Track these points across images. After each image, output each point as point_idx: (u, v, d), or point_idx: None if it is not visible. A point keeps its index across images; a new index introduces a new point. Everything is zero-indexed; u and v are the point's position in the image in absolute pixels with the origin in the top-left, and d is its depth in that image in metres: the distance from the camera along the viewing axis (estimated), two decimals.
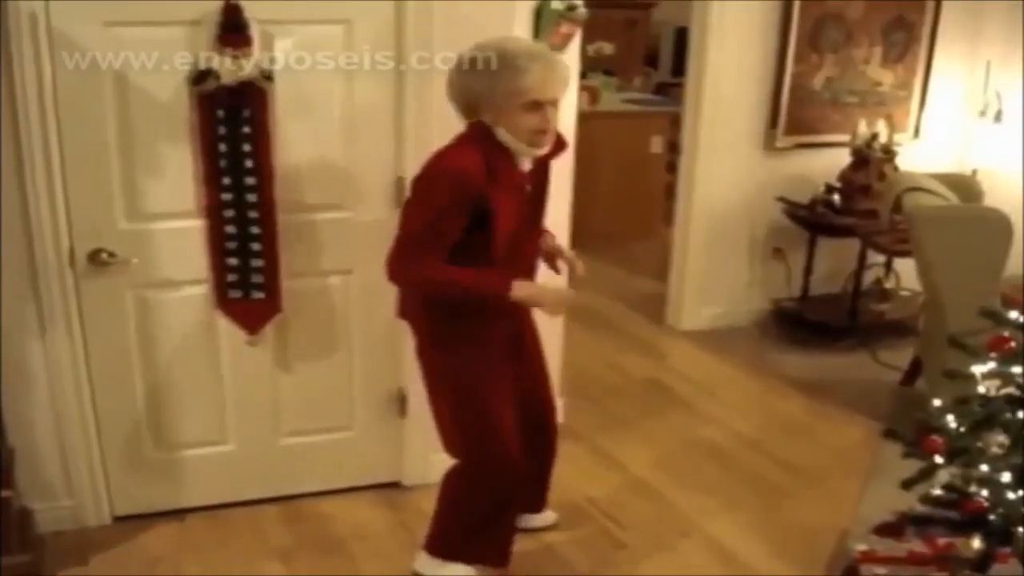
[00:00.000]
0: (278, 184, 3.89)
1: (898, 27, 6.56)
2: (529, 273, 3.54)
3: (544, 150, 3.37)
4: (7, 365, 3.81)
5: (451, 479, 3.69)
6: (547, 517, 4.20)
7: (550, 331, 4.08)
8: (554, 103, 3.30)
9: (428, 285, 3.36)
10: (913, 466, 3.14)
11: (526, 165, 3.39)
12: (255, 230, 3.89)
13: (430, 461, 4.38)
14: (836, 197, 6.31)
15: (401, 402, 4.37)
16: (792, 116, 6.43)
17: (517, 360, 3.68)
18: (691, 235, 6.53)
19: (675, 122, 7.49)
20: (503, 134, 3.28)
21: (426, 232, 3.28)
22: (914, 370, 5.72)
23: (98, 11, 3.56)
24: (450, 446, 3.67)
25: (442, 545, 3.76)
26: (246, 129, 3.77)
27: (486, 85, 3.23)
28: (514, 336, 3.65)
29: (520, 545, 3.92)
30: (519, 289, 3.33)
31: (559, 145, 3.47)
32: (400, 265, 3.34)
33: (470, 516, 3.69)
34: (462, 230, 3.27)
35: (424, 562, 3.80)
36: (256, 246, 3.91)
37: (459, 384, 3.53)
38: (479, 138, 3.30)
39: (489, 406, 3.51)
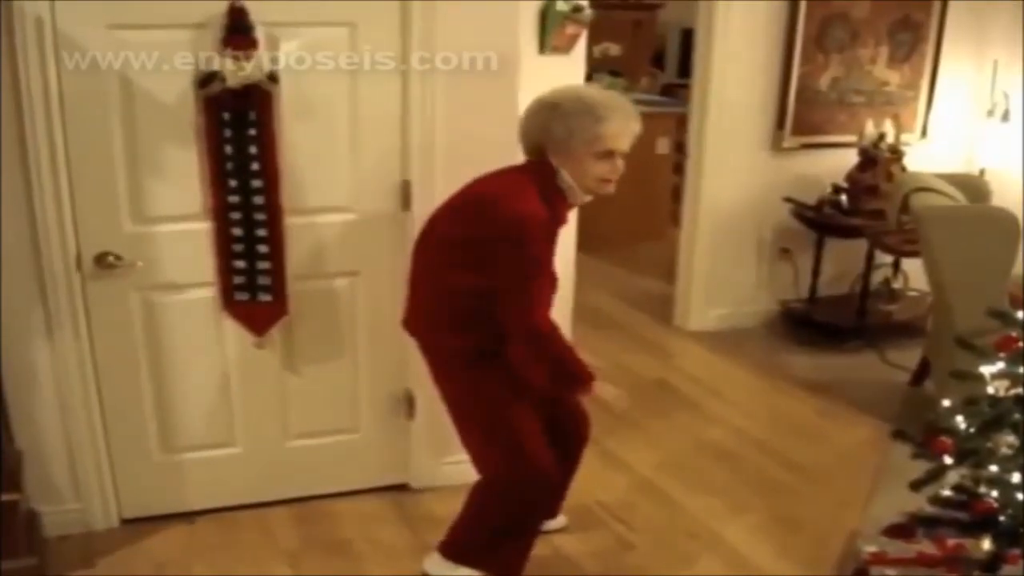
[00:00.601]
0: (284, 186, 3.88)
1: (904, 27, 6.54)
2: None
3: (601, 195, 3.45)
4: (14, 368, 3.81)
5: (482, 489, 3.67)
6: (556, 520, 4.19)
7: None
8: (624, 154, 3.38)
9: (550, 340, 3.37)
10: (922, 467, 3.14)
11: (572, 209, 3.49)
12: (261, 232, 3.89)
13: (437, 463, 4.39)
14: (843, 198, 6.30)
15: (409, 404, 4.37)
16: (799, 116, 6.42)
17: None
18: (698, 236, 6.53)
19: (681, 123, 7.49)
20: (566, 178, 3.34)
21: (537, 283, 3.36)
22: (922, 371, 5.71)
23: (103, 14, 3.56)
24: (482, 463, 3.65)
25: (460, 550, 3.75)
26: (252, 131, 3.77)
27: (564, 128, 3.29)
28: None
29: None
30: (599, 388, 3.45)
31: None
32: (532, 315, 3.34)
33: (496, 527, 3.67)
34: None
35: (435, 563, 3.79)
36: (262, 248, 3.91)
37: (491, 402, 3.52)
38: (540, 180, 3.36)
39: (522, 421, 3.50)
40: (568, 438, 3.88)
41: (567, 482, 4.04)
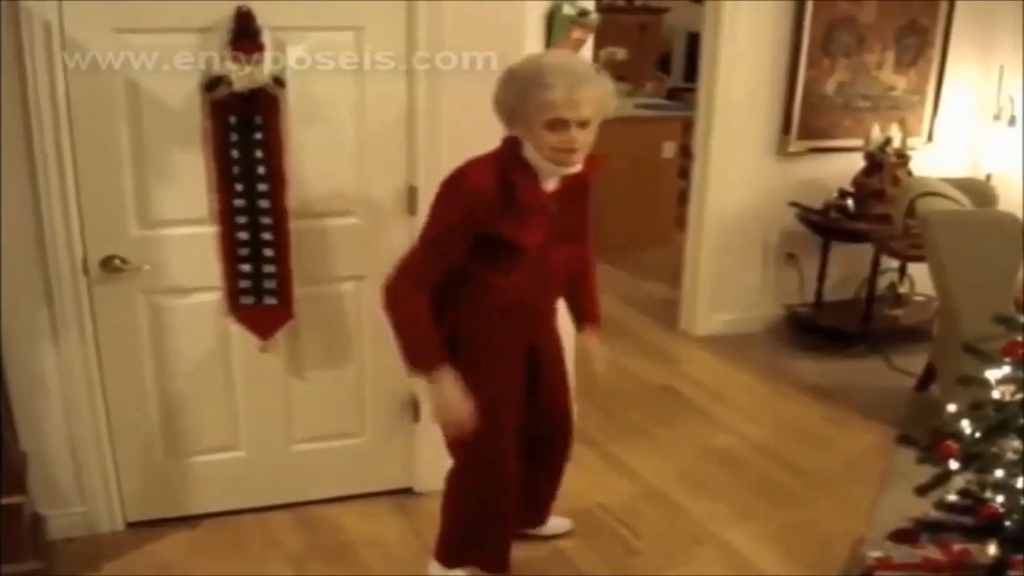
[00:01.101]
0: (290, 190, 3.89)
1: (911, 31, 6.54)
2: (549, 289, 3.53)
3: (568, 169, 3.27)
4: (20, 370, 3.81)
5: (448, 481, 3.71)
6: (560, 524, 4.18)
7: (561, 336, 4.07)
8: (583, 123, 3.16)
9: (395, 304, 3.35)
10: (928, 472, 3.14)
11: (551, 184, 3.33)
12: (267, 236, 3.89)
13: (443, 467, 4.36)
14: (849, 202, 6.30)
15: (413, 408, 4.36)
16: (805, 121, 6.42)
17: (533, 370, 3.66)
18: (704, 240, 6.52)
19: (687, 127, 7.49)
20: (529, 150, 3.22)
21: (430, 248, 3.33)
22: (928, 376, 5.70)
23: (111, 18, 3.56)
24: (448, 446, 3.65)
25: (445, 550, 3.77)
26: (258, 135, 3.78)
27: (516, 98, 3.17)
28: (530, 346, 3.61)
29: (534, 552, 3.93)
30: (436, 381, 3.35)
31: (594, 167, 3.39)
32: (400, 275, 3.34)
33: (465, 519, 3.70)
34: (467, 249, 3.29)
35: (433, 568, 3.80)
36: (268, 252, 3.91)
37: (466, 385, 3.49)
38: (505, 154, 3.28)
39: (487, 412, 3.45)
40: (545, 445, 3.86)
41: (550, 490, 4.04)
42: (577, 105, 3.12)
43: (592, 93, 3.16)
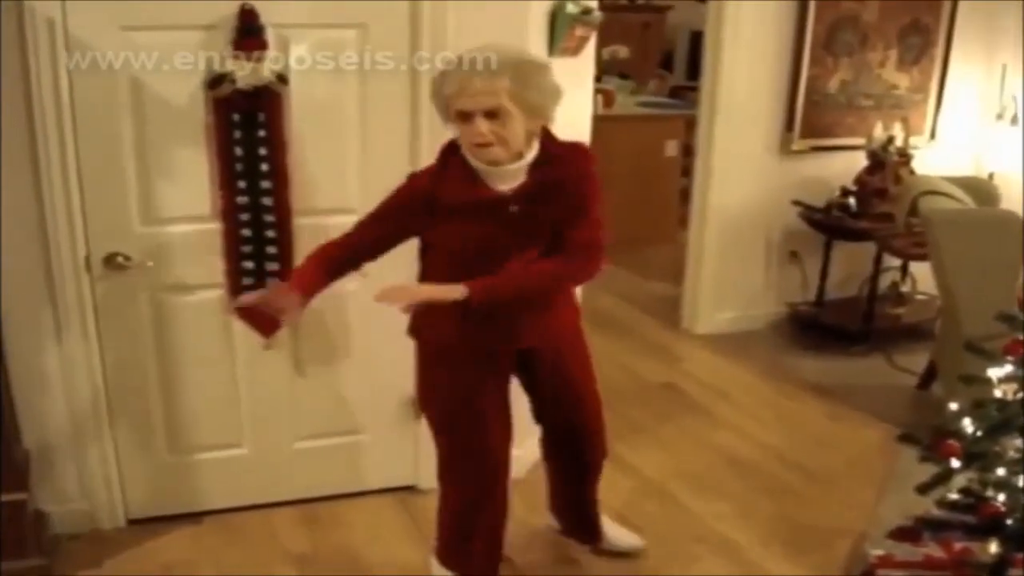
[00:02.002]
0: (293, 188, 3.89)
1: (914, 30, 6.55)
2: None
3: (491, 164, 3.16)
4: (23, 367, 3.82)
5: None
6: (632, 540, 4.13)
7: None
8: (489, 114, 3.06)
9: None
10: (929, 470, 3.14)
11: (500, 183, 3.20)
12: (270, 233, 3.90)
13: None
14: (852, 200, 6.31)
15: (416, 406, 4.36)
16: (807, 119, 6.42)
17: (531, 380, 3.66)
18: (706, 239, 6.53)
19: (690, 125, 7.50)
20: (465, 151, 3.19)
21: (359, 224, 3.39)
22: (930, 374, 5.71)
23: (114, 16, 3.57)
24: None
25: (439, 552, 3.77)
26: (261, 133, 3.78)
27: (433, 96, 3.19)
28: (518, 353, 3.54)
29: (536, 553, 3.93)
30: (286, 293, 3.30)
31: (571, 163, 3.29)
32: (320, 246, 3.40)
33: (451, 525, 3.69)
34: (385, 240, 3.34)
35: (432, 564, 3.81)
36: (272, 249, 3.92)
37: (435, 401, 3.54)
38: (448, 150, 3.26)
39: (458, 422, 3.48)
40: (570, 452, 3.86)
41: (584, 503, 4.02)
42: (473, 95, 3.04)
43: (487, 83, 3.03)
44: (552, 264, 3.29)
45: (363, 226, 3.37)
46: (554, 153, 3.25)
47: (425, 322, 3.41)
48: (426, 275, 3.36)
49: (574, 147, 3.34)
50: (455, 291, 3.11)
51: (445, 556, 3.74)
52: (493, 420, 3.50)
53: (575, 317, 3.67)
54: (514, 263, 3.23)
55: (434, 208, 3.19)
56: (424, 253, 3.38)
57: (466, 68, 3.05)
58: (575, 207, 3.29)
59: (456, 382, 3.43)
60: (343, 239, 3.36)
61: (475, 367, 3.42)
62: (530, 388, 3.69)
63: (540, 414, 3.79)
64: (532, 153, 3.20)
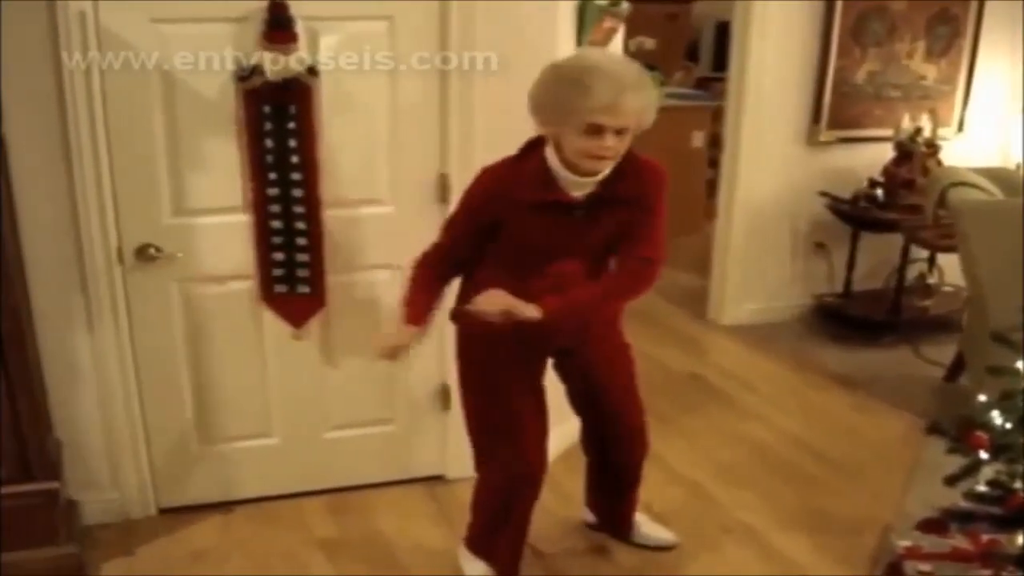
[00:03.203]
0: (323, 179, 3.92)
1: (942, 20, 6.52)
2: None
3: (591, 175, 3.16)
4: (55, 358, 3.86)
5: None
6: (666, 536, 4.12)
7: None
8: (619, 131, 3.04)
9: (410, 275, 3.40)
10: (957, 462, 3.14)
11: (575, 190, 3.20)
12: (300, 225, 3.92)
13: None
14: (879, 192, 6.30)
15: (444, 396, 4.39)
16: (835, 110, 6.41)
17: (567, 371, 3.70)
18: (733, 230, 6.53)
19: (717, 117, 7.49)
20: (550, 152, 3.16)
21: (447, 229, 3.38)
22: (957, 366, 5.69)
23: (145, 8, 3.60)
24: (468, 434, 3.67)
25: (470, 540, 3.80)
26: (291, 125, 3.80)
27: (556, 97, 3.04)
28: (561, 350, 3.60)
29: (566, 543, 3.95)
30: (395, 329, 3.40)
31: (648, 179, 3.29)
32: (422, 256, 3.39)
33: (483, 514, 3.72)
34: (475, 238, 3.30)
35: (461, 553, 3.84)
36: (302, 241, 3.94)
37: (466, 380, 3.54)
38: (529, 150, 3.24)
39: (495, 411, 3.51)
40: (610, 450, 3.87)
41: (618, 497, 4.04)
42: (619, 113, 2.99)
43: (636, 103, 3.02)
44: (612, 281, 3.37)
45: (453, 227, 3.38)
46: (629, 169, 3.23)
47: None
48: (481, 268, 3.35)
49: (651, 168, 3.31)
50: (530, 309, 3.13)
51: (477, 544, 3.76)
52: (531, 408, 3.54)
53: (617, 314, 3.72)
54: (567, 266, 3.29)
55: (506, 203, 3.21)
56: (502, 254, 3.32)
57: (617, 81, 2.99)
58: (638, 222, 3.31)
59: (498, 369, 3.45)
60: (437, 249, 3.38)
61: (517, 354, 3.44)
62: (567, 379, 3.72)
63: (577, 405, 3.81)
64: (610, 166, 3.18)
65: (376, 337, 3.48)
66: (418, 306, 3.34)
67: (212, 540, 4.09)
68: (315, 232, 3.95)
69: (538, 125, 3.16)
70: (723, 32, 8.08)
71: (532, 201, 3.18)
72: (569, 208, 3.21)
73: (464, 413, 3.60)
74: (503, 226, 3.25)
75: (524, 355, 3.48)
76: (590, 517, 4.17)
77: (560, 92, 3.03)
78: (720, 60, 8.48)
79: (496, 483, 3.62)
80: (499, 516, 3.65)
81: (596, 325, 3.62)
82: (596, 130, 3.00)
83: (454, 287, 3.48)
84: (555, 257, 3.28)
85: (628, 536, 4.10)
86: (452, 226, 3.39)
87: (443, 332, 4.14)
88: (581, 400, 3.78)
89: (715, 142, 7.48)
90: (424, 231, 4.01)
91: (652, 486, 4.26)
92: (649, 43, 9.96)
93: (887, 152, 6.33)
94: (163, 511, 4.24)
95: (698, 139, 8.61)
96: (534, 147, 3.23)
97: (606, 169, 3.15)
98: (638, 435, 3.85)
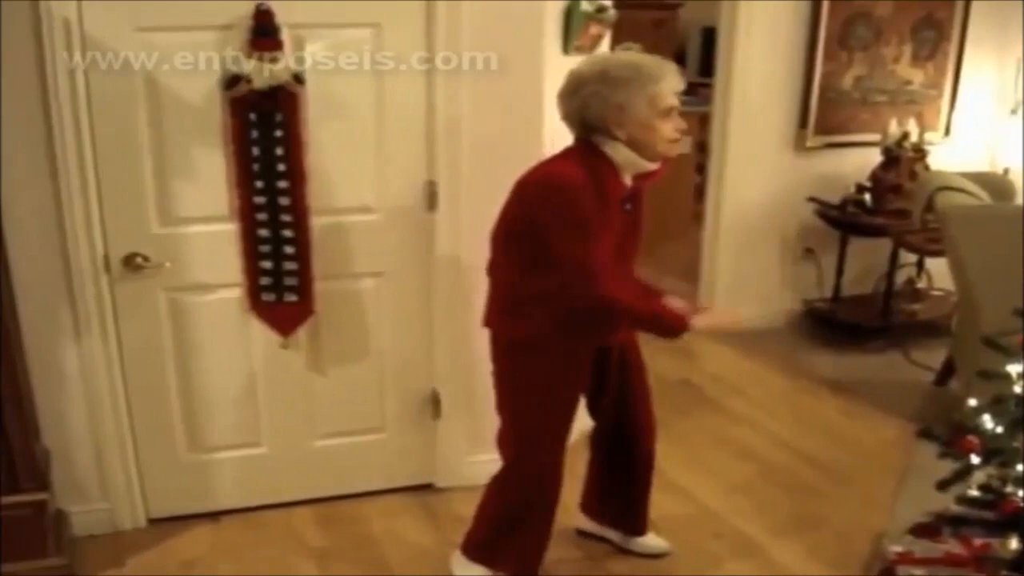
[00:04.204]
0: (310, 187, 3.90)
1: (927, 25, 6.53)
2: (631, 285, 3.49)
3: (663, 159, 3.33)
4: (43, 368, 3.84)
5: (493, 481, 3.69)
6: (659, 544, 4.12)
7: None
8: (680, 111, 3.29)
9: (613, 306, 3.27)
10: (948, 467, 3.14)
11: (628, 181, 3.33)
12: (288, 233, 3.90)
13: (463, 463, 4.40)
14: (867, 197, 6.30)
15: (434, 404, 4.38)
16: (822, 115, 6.42)
17: (604, 374, 3.69)
18: (721, 235, 6.53)
19: (703, 122, 7.47)
20: (620, 150, 3.23)
21: (593, 250, 3.22)
22: (947, 370, 5.70)
23: (130, 16, 3.58)
24: (500, 448, 3.64)
25: (473, 547, 3.77)
26: (278, 132, 3.79)
27: (625, 97, 3.16)
28: (601, 348, 3.61)
29: (558, 551, 3.91)
30: (699, 322, 3.33)
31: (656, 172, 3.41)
32: (601, 289, 3.22)
33: (500, 520, 3.70)
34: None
35: (458, 561, 3.81)
36: (289, 249, 3.92)
37: (521, 390, 3.52)
38: (585, 155, 3.26)
39: (545, 416, 3.51)
40: (626, 450, 3.89)
41: (637, 496, 4.02)
42: (677, 90, 3.24)
43: (683, 84, 3.28)
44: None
45: (604, 254, 3.26)
46: None
47: (522, 320, 3.43)
48: (593, 265, 3.26)
49: None
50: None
51: (481, 551, 3.75)
52: (573, 413, 3.58)
53: None
54: (627, 267, 3.46)
55: (594, 210, 3.22)
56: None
57: (668, 66, 3.23)
58: (641, 221, 3.55)
59: (550, 376, 3.46)
60: (621, 286, 3.30)
61: (566, 361, 3.47)
62: (598, 384, 3.72)
63: (601, 409, 3.82)
64: None
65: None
66: (660, 307, 3.37)
67: (201, 550, 4.07)
68: (302, 240, 3.93)
69: (616, 131, 3.22)
70: (710, 38, 8.07)
71: (612, 200, 3.28)
72: (623, 202, 3.32)
73: (508, 418, 3.58)
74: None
75: (576, 358, 3.52)
76: (583, 525, 4.15)
77: (630, 90, 3.17)
78: (707, 66, 8.46)
79: (523, 491, 3.62)
80: (512, 524, 3.66)
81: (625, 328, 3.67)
82: (670, 112, 3.23)
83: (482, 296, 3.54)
84: (618, 257, 3.36)
85: (643, 533, 4.09)
86: (603, 247, 3.25)
87: (431, 339, 4.15)
88: (610, 401, 3.77)
89: (702, 147, 7.47)
90: (412, 238, 4.04)
91: None
92: (636, 49, 9.97)
93: (874, 157, 6.34)
94: (152, 521, 4.21)
95: (685, 144, 8.56)
96: (583, 152, 3.28)
97: (683, 150, 3.42)
98: (653, 419, 3.91)
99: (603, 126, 3.21)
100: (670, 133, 3.24)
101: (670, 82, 3.19)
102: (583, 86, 3.22)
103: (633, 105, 3.16)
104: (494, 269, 3.50)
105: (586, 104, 3.21)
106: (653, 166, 3.32)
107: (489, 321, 3.55)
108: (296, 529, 4.22)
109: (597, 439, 3.95)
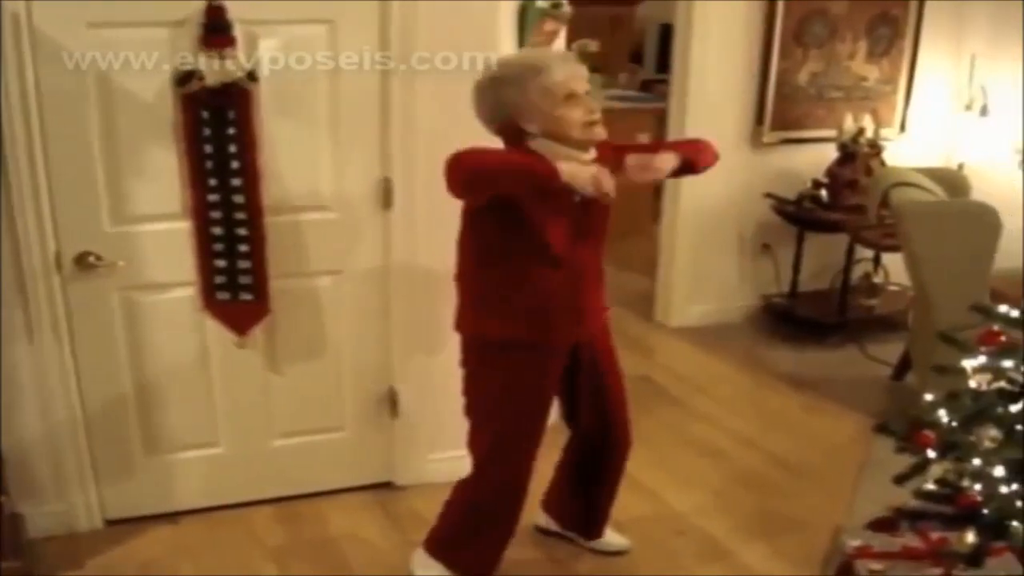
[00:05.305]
0: (265, 185, 3.87)
1: (882, 22, 6.56)
2: (583, 288, 3.48)
3: (594, 144, 3.30)
4: None
5: (461, 482, 3.68)
6: (620, 541, 4.12)
7: None
8: (588, 94, 3.27)
9: (471, 167, 3.15)
10: (906, 461, 3.15)
11: None
12: (242, 231, 3.87)
13: (422, 461, 4.39)
14: (823, 192, 6.34)
15: (392, 402, 4.36)
16: (778, 112, 6.44)
17: (576, 374, 3.67)
18: (679, 232, 6.54)
19: (661, 119, 7.48)
20: (542, 143, 3.22)
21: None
22: (904, 365, 5.73)
23: (81, 12, 3.54)
24: (470, 450, 3.63)
25: (435, 543, 3.77)
26: (231, 130, 3.76)
27: (518, 93, 3.19)
28: (573, 347, 3.58)
29: (519, 549, 3.90)
30: (567, 173, 3.13)
31: (604, 150, 3.38)
32: (455, 165, 3.14)
33: (465, 521, 3.68)
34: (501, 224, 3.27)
35: (418, 558, 3.80)
36: (243, 247, 3.89)
37: (489, 394, 3.51)
38: (521, 151, 3.25)
39: (516, 421, 3.50)
40: (598, 453, 3.87)
41: (601, 499, 4.02)
42: (578, 78, 3.24)
43: (582, 69, 3.29)
44: (689, 145, 3.65)
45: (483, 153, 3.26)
46: (599, 148, 3.37)
47: (486, 319, 3.43)
48: (530, 272, 3.35)
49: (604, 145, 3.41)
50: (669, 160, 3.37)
51: (442, 549, 3.74)
52: (545, 416, 3.57)
53: (606, 313, 3.74)
54: (582, 254, 3.43)
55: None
56: (521, 249, 3.33)
57: (557, 54, 3.36)
58: (606, 207, 3.45)
59: (518, 376, 3.45)
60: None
61: (537, 362, 3.47)
62: (570, 386, 3.70)
63: (576, 413, 3.81)
64: (603, 133, 3.33)
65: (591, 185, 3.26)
66: (523, 155, 3.25)
67: (160, 551, 4.03)
68: (257, 238, 3.90)
69: (527, 127, 3.24)
70: (667, 34, 8.08)
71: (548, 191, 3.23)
72: (566, 193, 3.26)
73: (476, 422, 3.58)
74: (526, 213, 3.26)
75: (547, 357, 3.49)
76: (544, 523, 4.15)
77: (521, 85, 3.19)
78: (664, 62, 8.47)
79: (490, 495, 3.61)
80: (476, 526, 3.65)
81: (602, 323, 3.69)
82: (575, 98, 3.21)
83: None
84: (571, 251, 3.36)
85: (599, 536, 4.09)
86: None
87: (389, 337, 4.14)
88: (584, 404, 3.75)
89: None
90: (368, 236, 4.02)
91: None
92: (592, 46, 9.94)
93: (830, 153, 6.36)
94: (110, 523, 4.17)
95: (643, 141, 8.60)
96: (517, 144, 3.28)
97: (602, 134, 3.29)
98: (629, 426, 3.89)
99: (516, 125, 3.24)
100: (579, 117, 3.22)
101: (560, 70, 3.19)
102: (483, 94, 3.28)
103: (528, 99, 3.19)
104: (459, 274, 3.49)
105: (492, 109, 3.27)
106: (584, 154, 3.28)
107: (457, 324, 3.54)
108: (255, 529, 4.19)
109: (571, 445, 3.94)
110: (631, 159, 3.31)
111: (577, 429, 3.87)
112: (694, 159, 3.49)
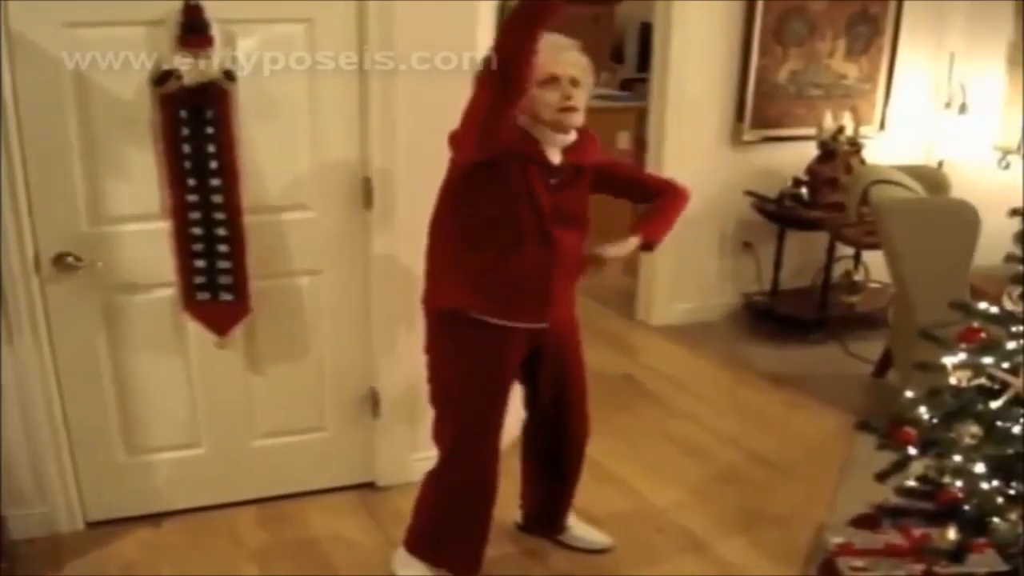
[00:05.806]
0: (244, 185, 3.85)
1: (861, 20, 6.58)
2: (556, 273, 3.45)
3: (569, 134, 3.35)
4: None
5: (428, 475, 3.68)
6: (601, 539, 4.11)
7: None
8: (573, 82, 3.28)
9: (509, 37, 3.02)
10: (887, 458, 3.16)
11: (554, 156, 3.36)
12: (221, 231, 3.85)
13: (404, 461, 4.38)
14: (804, 190, 6.35)
15: (374, 402, 4.35)
16: (758, 110, 6.45)
17: (538, 369, 3.67)
18: None
19: (642, 117, 7.47)
20: (525, 120, 3.27)
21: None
22: (885, 362, 5.75)
23: (57, 12, 3.52)
24: (435, 436, 3.61)
25: (413, 541, 3.76)
26: (210, 130, 3.74)
27: None
28: (533, 336, 3.55)
29: (498, 546, 3.90)
30: None
31: (591, 150, 3.47)
32: (482, 80, 3.10)
33: (438, 514, 3.68)
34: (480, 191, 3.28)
35: (398, 557, 3.80)
36: (223, 247, 3.87)
37: (454, 364, 3.49)
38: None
39: (477, 397, 3.49)
40: (557, 447, 3.87)
41: (562, 495, 4.03)
42: (563, 63, 3.27)
43: (573, 56, 3.32)
44: (671, 199, 4.02)
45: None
46: (586, 138, 3.47)
47: (451, 293, 3.42)
48: (501, 249, 3.35)
49: (591, 135, 3.50)
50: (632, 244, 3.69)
51: (421, 547, 3.73)
52: (505, 400, 3.55)
53: (575, 306, 3.73)
54: (563, 237, 3.44)
55: (508, 159, 3.28)
56: (492, 226, 3.34)
57: (555, 42, 3.26)
58: (619, 173, 3.87)
59: (480, 356, 3.45)
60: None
61: (499, 343, 3.45)
62: (532, 374, 3.69)
63: (535, 401, 3.80)
64: (580, 120, 3.38)
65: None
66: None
67: (142, 553, 4.02)
68: (236, 238, 3.88)
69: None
70: (647, 33, 8.07)
71: (522, 153, 3.28)
72: (548, 173, 3.32)
73: (439, 403, 3.56)
74: (493, 193, 3.27)
75: (510, 340, 3.48)
76: (523, 520, 4.14)
77: None
78: (645, 61, 8.47)
79: (458, 482, 3.60)
80: (450, 517, 3.64)
81: (570, 315, 3.68)
82: (554, 81, 3.24)
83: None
84: (546, 234, 3.36)
85: (562, 533, 4.09)
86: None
87: (370, 337, 4.12)
88: (544, 393, 3.75)
89: (641, 143, 7.47)
90: (348, 236, 4.01)
91: (585, 488, 4.24)
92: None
93: (811, 151, 6.38)
94: (91, 524, 4.15)
95: (624, 140, 8.60)
96: None
97: (579, 122, 3.35)
98: (587, 421, 3.89)
99: None
100: (554, 101, 3.25)
101: (545, 51, 3.15)
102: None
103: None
104: (430, 249, 3.49)
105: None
106: (564, 137, 3.34)
107: (424, 298, 3.53)
108: (237, 530, 4.18)
109: (530, 433, 3.93)
110: (595, 252, 3.58)
111: (535, 412, 3.84)
112: (663, 217, 3.96)
